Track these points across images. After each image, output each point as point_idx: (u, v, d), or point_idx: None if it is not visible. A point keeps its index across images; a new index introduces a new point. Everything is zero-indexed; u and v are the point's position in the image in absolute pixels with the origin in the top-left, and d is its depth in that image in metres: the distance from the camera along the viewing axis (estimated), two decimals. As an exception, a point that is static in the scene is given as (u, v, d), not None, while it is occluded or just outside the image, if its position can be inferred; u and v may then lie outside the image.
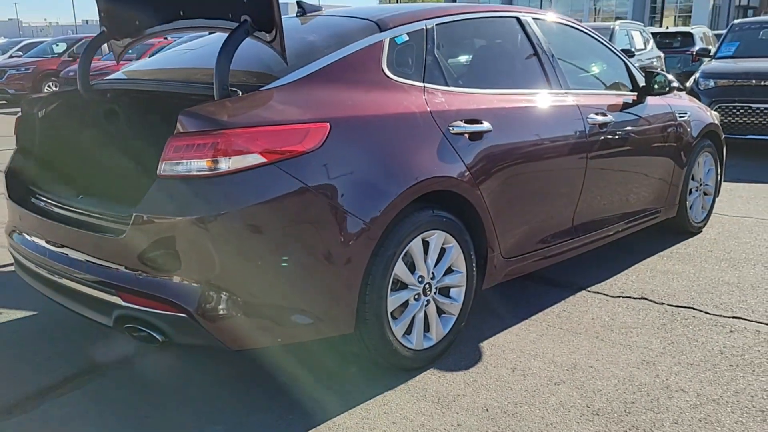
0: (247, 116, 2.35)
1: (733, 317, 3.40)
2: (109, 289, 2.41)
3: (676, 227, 4.75)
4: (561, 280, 3.92)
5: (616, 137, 3.81)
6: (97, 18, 3.24)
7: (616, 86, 4.12)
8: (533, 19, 3.66)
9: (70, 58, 16.01)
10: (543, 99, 3.44)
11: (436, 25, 3.11)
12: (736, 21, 9.59)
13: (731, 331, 3.24)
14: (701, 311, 3.48)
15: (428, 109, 2.84)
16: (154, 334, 2.37)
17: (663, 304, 3.59)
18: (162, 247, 2.30)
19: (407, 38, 2.96)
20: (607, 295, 3.72)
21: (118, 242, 2.37)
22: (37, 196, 2.96)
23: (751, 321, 3.36)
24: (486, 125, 3.00)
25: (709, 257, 4.34)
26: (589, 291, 3.78)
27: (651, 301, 3.63)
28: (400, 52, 2.92)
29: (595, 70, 4.08)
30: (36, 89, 15.76)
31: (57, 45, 17.35)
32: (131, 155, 3.26)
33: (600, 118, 3.67)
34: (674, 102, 4.47)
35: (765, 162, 7.73)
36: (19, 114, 3.16)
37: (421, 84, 2.91)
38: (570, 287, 3.83)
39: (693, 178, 4.71)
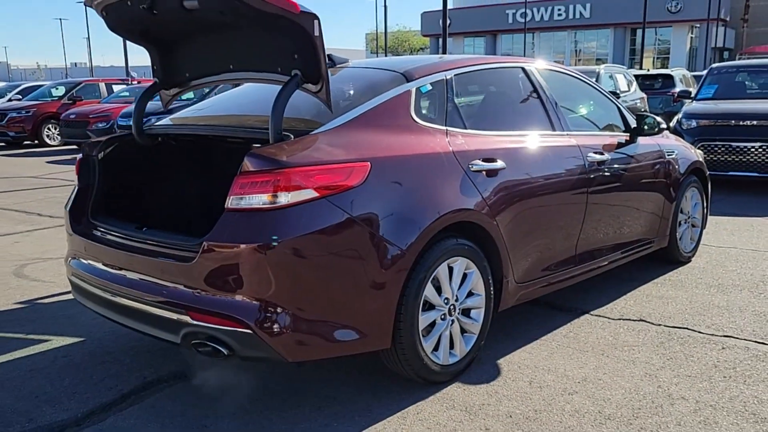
0: (302, 157, 2.70)
1: (724, 336, 3.75)
2: (179, 310, 2.72)
3: (667, 257, 5.12)
4: (565, 306, 4.26)
5: (613, 174, 4.20)
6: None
7: (610, 127, 4.53)
8: (536, 68, 4.07)
9: (70, 101, 16.36)
10: (548, 139, 3.83)
11: (454, 75, 3.50)
12: (714, 65, 10.17)
13: (723, 348, 3.58)
14: (695, 331, 3.83)
15: (451, 149, 3.20)
16: (221, 349, 2.67)
17: (660, 325, 3.93)
18: (229, 271, 2.63)
19: (431, 87, 3.35)
20: (608, 318, 4.05)
21: (188, 267, 2.70)
22: (101, 228, 3.27)
23: (741, 339, 3.70)
24: (500, 163, 3.37)
25: (699, 284, 4.71)
26: (591, 314, 4.12)
27: (649, 322, 3.97)
28: (425, 99, 3.30)
29: (591, 112, 4.49)
30: (36, 132, 16.07)
31: (56, 88, 17.72)
32: (187, 192, 3.61)
33: (598, 157, 4.07)
34: (662, 141, 4.88)
35: (746, 197, 8.18)
36: (81, 156, 3.49)
37: (444, 127, 3.28)
38: (574, 311, 4.17)
39: (682, 211, 5.10)
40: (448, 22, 17.46)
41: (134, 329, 3.05)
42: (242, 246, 2.60)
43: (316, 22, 2.76)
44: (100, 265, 3.16)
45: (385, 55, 57.82)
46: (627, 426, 2.79)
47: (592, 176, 4.00)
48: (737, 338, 3.71)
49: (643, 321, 4.00)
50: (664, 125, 4.63)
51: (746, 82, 9.58)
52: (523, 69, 3.99)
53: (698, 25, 49.38)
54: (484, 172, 3.29)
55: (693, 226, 5.31)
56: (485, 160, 3.32)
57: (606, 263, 4.31)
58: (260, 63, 3.13)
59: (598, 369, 3.34)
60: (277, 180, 2.61)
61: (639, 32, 46.95)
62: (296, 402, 3.05)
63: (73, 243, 3.39)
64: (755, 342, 3.66)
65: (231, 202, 2.65)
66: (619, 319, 4.03)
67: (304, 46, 2.82)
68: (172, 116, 3.82)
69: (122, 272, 3.02)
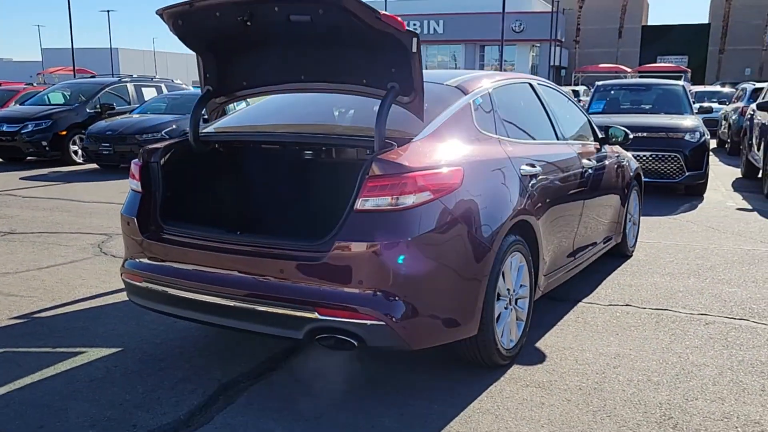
0: (419, 162, 2.96)
1: (700, 314, 4.43)
2: (304, 307, 2.87)
3: (617, 251, 5.82)
4: (559, 296, 4.77)
5: (596, 178, 4.78)
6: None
7: (584, 137, 5.13)
8: (537, 83, 4.57)
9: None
10: (557, 147, 4.32)
11: (493, 89, 3.89)
12: (599, 83, 11.37)
13: (707, 324, 4.24)
14: (675, 311, 4.48)
15: (507, 155, 3.59)
16: (351, 341, 2.86)
17: (645, 308, 4.55)
18: (359, 268, 2.83)
19: (481, 100, 3.71)
20: (600, 305, 4.61)
21: (316, 266, 2.86)
22: (180, 232, 3.30)
23: (714, 316, 4.39)
24: (538, 168, 3.81)
25: (653, 273, 5.42)
26: (584, 303, 4.66)
27: (635, 306, 4.58)
28: (478, 111, 3.66)
29: (573, 123, 5.06)
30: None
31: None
32: (248, 195, 3.70)
33: (588, 162, 4.64)
34: (616, 149, 5.58)
35: (649, 200, 9.25)
36: (140, 163, 3.48)
37: (496, 136, 3.66)
38: (569, 300, 4.69)
39: (628, 211, 5.83)
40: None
41: (232, 328, 3.14)
42: (374, 244, 2.81)
43: (415, 39, 3.03)
44: (189, 268, 3.20)
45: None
46: (675, 389, 3.31)
47: (585, 179, 4.55)
48: (712, 315, 4.40)
49: (629, 306, 4.60)
50: (631, 135, 5.31)
51: (631, 98, 10.81)
52: (530, 84, 4.47)
53: (538, 45, 53.56)
54: (529, 176, 3.70)
55: (634, 224, 6.08)
56: (528, 165, 3.73)
57: (590, 257, 4.89)
58: (344, 74, 3.33)
59: (622, 346, 3.86)
60: (404, 183, 2.85)
61: (487, 48, 50.18)
62: (387, 390, 3.29)
63: (142, 247, 3.37)
64: (728, 318, 4.36)
65: (360, 203, 2.85)
66: (610, 305, 4.60)
67: (402, 61, 3.08)
68: (215, 125, 3.88)
69: (225, 274, 3.09)
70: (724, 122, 17.09)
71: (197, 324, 4.05)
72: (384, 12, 2.91)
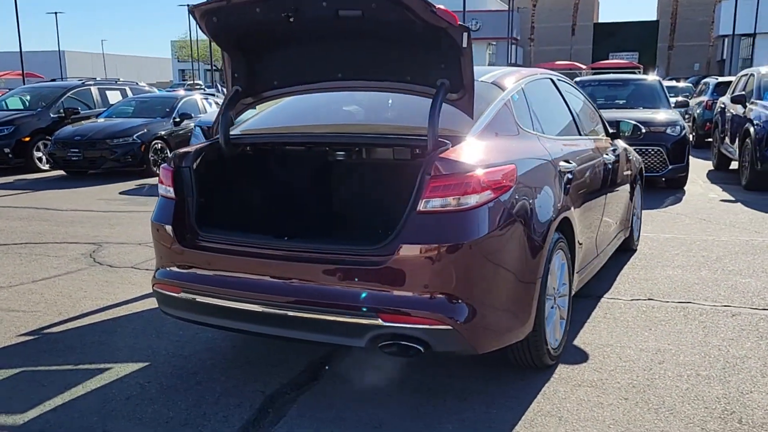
0: (479, 160, 2.88)
1: (723, 306, 4.45)
2: (367, 313, 2.76)
3: (624, 246, 5.83)
4: (582, 294, 4.73)
5: (613, 172, 4.77)
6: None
7: (597, 131, 5.12)
8: (557, 79, 4.53)
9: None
10: (581, 142, 4.29)
11: (524, 85, 3.83)
12: (576, 79, 11.46)
13: (733, 315, 4.27)
14: (700, 304, 4.49)
15: (547, 152, 3.53)
16: (416, 347, 2.75)
17: (669, 302, 4.55)
18: (425, 271, 2.73)
19: (518, 96, 3.64)
20: (623, 300, 4.60)
21: (378, 271, 2.75)
22: (220, 240, 3.14)
23: (737, 307, 4.42)
24: (573, 164, 3.76)
25: (664, 266, 5.45)
26: (607, 299, 4.65)
27: (659, 300, 4.58)
28: (517, 107, 3.59)
29: (588, 117, 5.04)
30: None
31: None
32: (282, 197, 3.56)
33: (607, 157, 4.62)
34: (623, 144, 5.59)
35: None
36: (172, 168, 3.31)
37: (534, 132, 3.60)
38: (591, 297, 4.67)
39: (633, 205, 5.85)
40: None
41: (283, 338, 3.01)
42: (440, 246, 2.72)
43: (466, 34, 2.94)
44: (235, 276, 3.05)
45: (195, 63, 56.08)
46: (727, 383, 3.30)
47: (606, 175, 4.53)
48: (735, 306, 4.42)
49: (652, 300, 4.60)
50: (643, 129, 5.32)
51: (608, 94, 10.92)
52: (551, 79, 4.42)
53: (494, 43, 54.05)
54: (566, 172, 3.65)
55: (637, 218, 6.11)
56: (564, 161, 3.68)
57: (609, 253, 4.87)
58: (387, 72, 3.22)
59: (659, 341, 3.84)
60: (468, 182, 2.76)
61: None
62: (441, 396, 3.19)
63: (179, 256, 3.20)
64: (752, 309, 4.39)
65: (423, 204, 2.75)
66: (633, 300, 4.59)
67: (452, 56, 2.99)
68: (240, 128, 3.72)
69: (276, 281, 2.95)
70: (687, 116, 17.46)
71: (223, 334, 3.91)
72: (439, 6, 2.81)
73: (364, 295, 2.79)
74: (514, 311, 3.00)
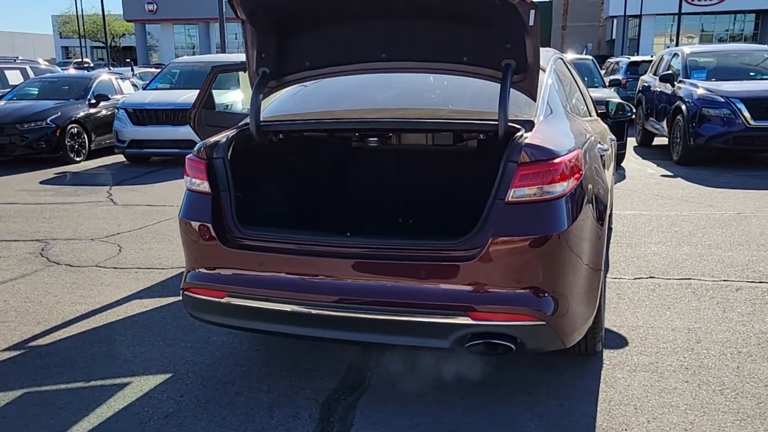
0: (558, 145, 2.73)
1: (724, 281, 4.57)
2: (454, 312, 2.57)
3: (603, 224, 5.91)
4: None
5: (611, 152, 4.78)
6: None
7: (592, 111, 5.11)
8: (565, 59, 4.45)
9: None
10: (598, 123, 4.26)
11: (554, 65, 3.71)
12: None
13: (738, 290, 4.39)
14: (701, 280, 4.59)
15: (589, 133, 3.44)
16: (508, 345, 2.60)
17: (670, 279, 4.63)
18: (517, 265, 2.57)
19: (555, 76, 3.53)
20: (626, 279, 4.64)
21: (468, 267, 2.56)
22: (269, 238, 2.85)
23: (736, 281, 4.55)
24: (605, 145, 3.70)
25: (645, 243, 5.55)
26: (611, 278, 4.66)
27: (660, 278, 4.64)
28: (558, 88, 3.48)
29: (585, 98, 5.01)
30: None
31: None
32: (319, 188, 3.28)
33: (611, 137, 4.62)
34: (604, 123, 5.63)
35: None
36: (205, 161, 2.97)
37: (572, 113, 3.50)
38: (595, 277, 4.67)
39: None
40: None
41: (349, 341, 2.77)
42: (531, 238, 2.56)
43: (533, 12, 2.78)
44: (291, 278, 2.77)
45: (82, 40, 52.76)
46: (764, 359, 3.36)
47: (611, 153, 4.53)
48: (734, 281, 4.55)
49: (653, 278, 4.66)
50: (634, 110, 5.35)
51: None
52: (561, 59, 4.34)
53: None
54: (602, 155, 3.59)
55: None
56: (599, 143, 3.62)
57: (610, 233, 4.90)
58: (439, 51, 3.01)
59: (683, 320, 3.87)
60: (555, 169, 2.62)
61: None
62: (503, 393, 3.06)
63: (222, 258, 2.88)
64: (749, 282, 4.52)
65: (512, 194, 2.58)
66: (636, 279, 4.64)
67: (518, 35, 2.83)
68: (264, 113, 3.39)
69: (342, 282, 2.70)
70: (599, 94, 18.11)
71: (237, 336, 3.62)
72: (512, -20, 2.63)
73: (450, 292, 2.60)
74: (587, 299, 2.91)
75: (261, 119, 3.31)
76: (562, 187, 2.64)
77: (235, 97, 9.32)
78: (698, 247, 5.38)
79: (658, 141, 11.91)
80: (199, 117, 4.82)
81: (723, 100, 9.13)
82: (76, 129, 11.37)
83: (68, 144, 11.16)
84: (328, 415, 2.89)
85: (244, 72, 4.77)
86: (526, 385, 3.13)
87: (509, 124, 2.82)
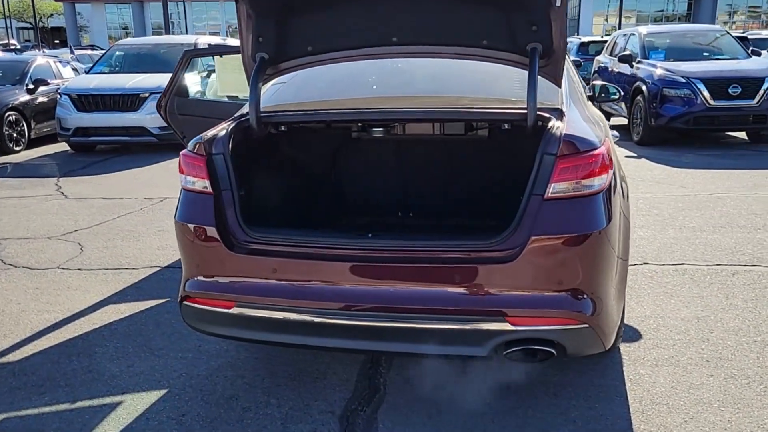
0: (595, 136, 2.56)
1: (717, 265, 4.52)
2: (492, 318, 2.38)
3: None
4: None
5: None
6: None
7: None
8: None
9: None
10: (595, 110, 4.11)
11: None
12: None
13: (733, 274, 4.34)
14: (695, 265, 4.53)
15: (604, 122, 3.29)
16: (550, 350, 2.43)
17: (664, 265, 4.55)
18: (559, 266, 2.39)
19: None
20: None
21: (507, 269, 2.37)
22: (280, 240, 2.59)
23: (727, 265, 4.50)
24: (615, 132, 3.57)
25: (634, 227, 5.48)
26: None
27: (654, 264, 4.56)
28: (570, 73, 3.30)
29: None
30: None
31: None
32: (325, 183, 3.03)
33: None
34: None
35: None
36: (204, 157, 2.68)
37: (585, 101, 3.34)
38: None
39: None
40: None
41: (374, 351, 2.56)
42: (575, 236, 2.39)
43: (561, -9, 2.59)
44: (308, 285, 2.52)
45: (7, 21, 50.18)
46: (782, 345, 3.32)
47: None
48: (726, 265, 4.51)
49: (647, 264, 4.58)
50: (621, 93, 5.24)
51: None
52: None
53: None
54: (615, 143, 3.45)
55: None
56: (611, 130, 3.48)
57: None
58: (455, 35, 2.79)
59: (689, 309, 3.79)
60: (595, 162, 2.45)
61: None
62: (526, 396, 2.90)
63: (228, 264, 2.61)
64: (741, 266, 4.48)
65: (552, 189, 2.40)
66: (631, 265, 4.54)
67: (544, 17, 2.63)
68: (266, 105, 3.09)
69: (366, 288, 2.47)
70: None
71: (231, 344, 3.36)
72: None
73: (486, 297, 2.40)
74: (619, 296, 2.77)
75: (269, 109, 3.03)
76: (601, 181, 2.47)
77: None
78: (683, 231, 5.35)
79: (614, 121, 11.96)
80: (170, 105, 4.48)
81: (684, 80, 9.21)
82: (14, 116, 10.67)
83: (6, 133, 10.46)
84: (348, 430, 2.67)
85: (220, 57, 4.49)
86: (550, 386, 2.98)
87: (540, 113, 2.63)
